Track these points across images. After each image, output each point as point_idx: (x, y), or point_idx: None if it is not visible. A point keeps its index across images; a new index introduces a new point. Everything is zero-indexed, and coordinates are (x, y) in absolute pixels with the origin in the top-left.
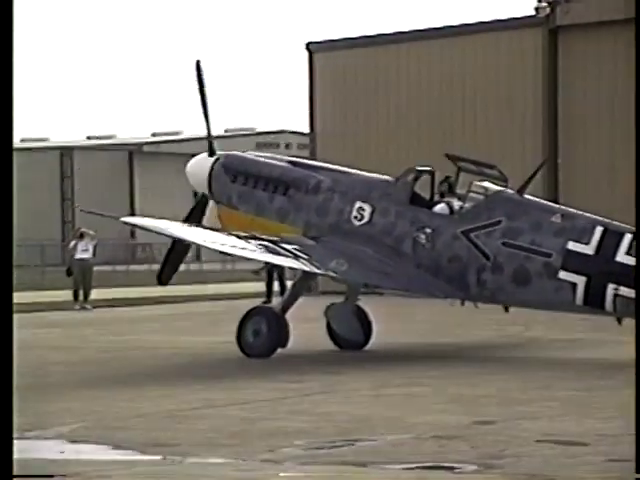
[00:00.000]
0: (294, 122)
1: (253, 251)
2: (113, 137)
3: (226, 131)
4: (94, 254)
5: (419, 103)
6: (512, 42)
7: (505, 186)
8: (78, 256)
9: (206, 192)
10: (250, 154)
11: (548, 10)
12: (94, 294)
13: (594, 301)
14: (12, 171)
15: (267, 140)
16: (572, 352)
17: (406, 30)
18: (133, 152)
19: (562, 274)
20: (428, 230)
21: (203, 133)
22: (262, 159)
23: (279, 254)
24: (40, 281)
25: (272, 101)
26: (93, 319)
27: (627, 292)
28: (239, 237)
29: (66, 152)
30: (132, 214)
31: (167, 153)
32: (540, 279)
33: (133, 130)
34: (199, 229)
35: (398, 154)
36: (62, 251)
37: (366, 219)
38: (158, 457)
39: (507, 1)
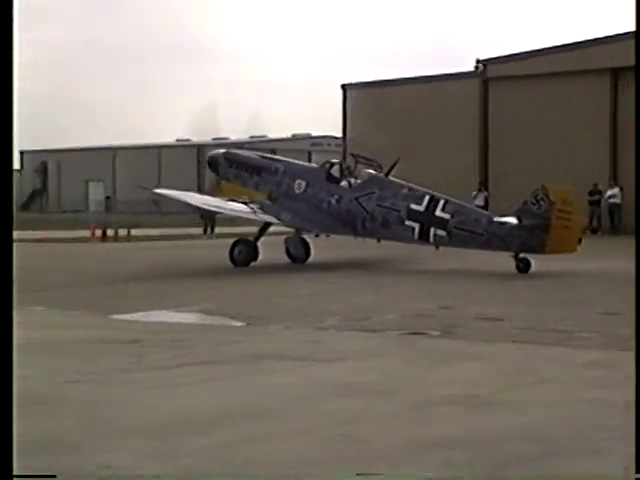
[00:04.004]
0: (335, 129)
1: (232, 210)
2: (227, 139)
3: (293, 136)
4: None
5: (411, 130)
6: (459, 88)
7: (380, 172)
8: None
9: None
10: (241, 151)
11: (482, 67)
12: (217, 230)
13: (424, 238)
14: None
15: (317, 141)
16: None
17: (406, 77)
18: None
19: (407, 222)
20: (336, 196)
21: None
22: (247, 154)
23: (246, 211)
24: (182, 221)
25: (323, 115)
26: (217, 244)
27: (440, 232)
28: (226, 200)
29: (200, 149)
30: None
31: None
32: (395, 225)
33: (233, 132)
34: (200, 196)
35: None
36: None
37: (302, 189)
38: (248, 324)
39: (459, 60)
